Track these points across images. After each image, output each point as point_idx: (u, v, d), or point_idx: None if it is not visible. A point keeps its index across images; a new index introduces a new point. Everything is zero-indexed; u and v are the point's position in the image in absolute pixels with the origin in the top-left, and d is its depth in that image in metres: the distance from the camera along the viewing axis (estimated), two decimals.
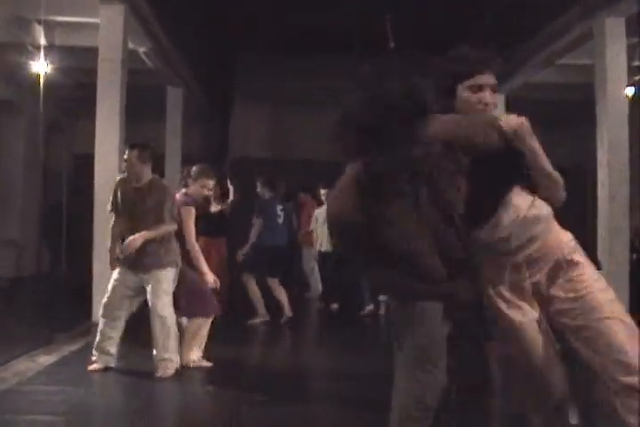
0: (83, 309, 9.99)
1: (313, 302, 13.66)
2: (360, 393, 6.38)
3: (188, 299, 7.33)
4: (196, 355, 7.43)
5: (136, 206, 7.03)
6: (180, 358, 7.18)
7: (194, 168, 7.94)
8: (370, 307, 11.64)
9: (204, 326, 7.44)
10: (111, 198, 7.27)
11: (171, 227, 7.06)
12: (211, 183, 7.90)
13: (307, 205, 14.08)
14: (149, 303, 7.03)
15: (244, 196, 11.45)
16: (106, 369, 7.07)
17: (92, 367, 7.07)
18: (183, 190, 7.85)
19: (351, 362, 7.92)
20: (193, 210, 7.51)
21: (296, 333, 10.80)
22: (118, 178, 7.36)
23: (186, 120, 16.91)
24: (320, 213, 12.12)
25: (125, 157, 7.10)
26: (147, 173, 7.10)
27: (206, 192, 7.97)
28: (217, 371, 7.34)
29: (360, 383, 6.74)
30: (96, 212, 10.14)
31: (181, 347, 7.26)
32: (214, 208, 10.63)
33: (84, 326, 9.48)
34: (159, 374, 6.89)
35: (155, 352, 6.97)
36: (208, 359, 7.49)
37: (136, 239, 6.86)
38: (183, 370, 7.13)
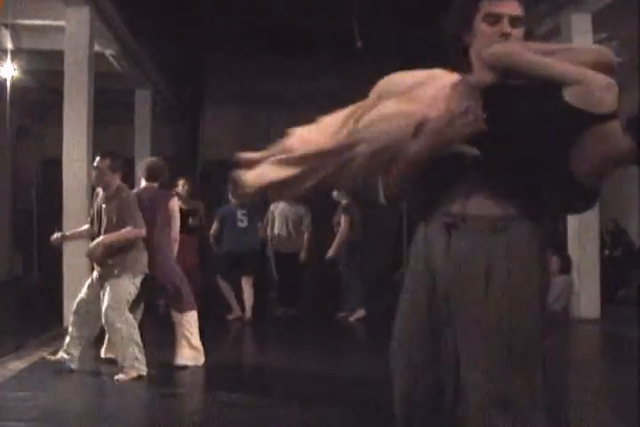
0: (54, 314, 9.92)
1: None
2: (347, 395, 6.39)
3: (167, 293, 7.53)
4: (187, 353, 7.46)
5: (106, 218, 7.00)
6: (173, 356, 7.38)
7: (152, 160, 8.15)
8: (362, 313, 11.46)
9: (184, 322, 7.45)
10: (91, 210, 7.33)
11: (136, 232, 6.95)
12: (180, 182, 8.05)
13: None
14: (102, 313, 6.89)
15: (215, 199, 11.51)
16: (72, 372, 7.03)
17: (50, 357, 7.17)
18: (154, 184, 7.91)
19: (331, 363, 7.93)
20: (176, 200, 7.71)
21: (277, 333, 10.79)
22: (97, 190, 7.31)
23: (155, 123, 16.84)
24: (276, 207, 11.70)
25: (95, 164, 7.05)
26: (115, 183, 7.07)
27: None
28: (191, 373, 7.32)
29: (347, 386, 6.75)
30: (65, 216, 10.08)
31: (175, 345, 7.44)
32: (185, 206, 10.63)
33: (55, 330, 9.41)
34: (117, 377, 6.82)
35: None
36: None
37: (96, 247, 6.85)
38: (170, 370, 7.17)
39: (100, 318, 6.98)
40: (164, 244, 7.60)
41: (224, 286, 11.27)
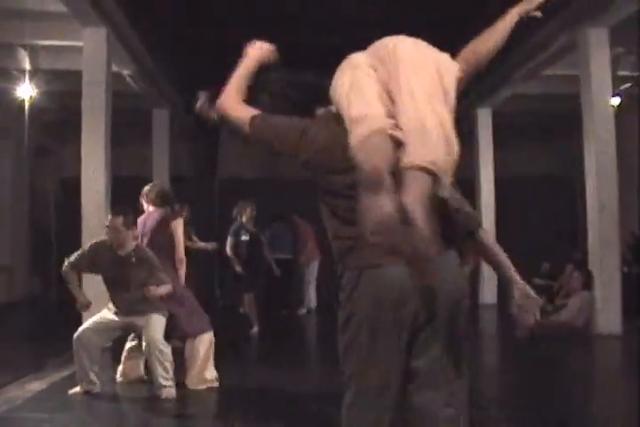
0: (73, 334, 9.87)
1: (306, 317, 13.64)
2: None
3: (186, 320, 7.40)
4: (201, 376, 7.42)
5: (122, 275, 6.99)
6: (185, 380, 7.32)
7: (147, 188, 8.04)
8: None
9: (200, 345, 7.41)
10: (77, 257, 7.17)
11: (170, 288, 7.06)
12: None
13: (301, 226, 14.21)
14: (147, 339, 7.00)
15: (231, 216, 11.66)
16: (89, 394, 7.01)
17: (72, 391, 7.05)
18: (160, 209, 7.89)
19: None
20: (182, 222, 7.64)
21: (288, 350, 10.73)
22: (95, 242, 7.26)
23: (173, 141, 16.90)
24: None
25: (108, 224, 7.04)
26: (130, 240, 7.09)
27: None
28: (211, 394, 7.28)
29: None
30: (84, 234, 10.09)
31: (188, 370, 7.38)
32: None
33: (73, 351, 9.36)
34: (163, 396, 6.90)
35: (155, 380, 6.98)
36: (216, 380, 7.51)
37: (150, 291, 6.89)
38: (185, 393, 7.11)
39: (104, 343, 7.25)
40: (170, 268, 7.59)
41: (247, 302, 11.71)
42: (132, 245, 7.07)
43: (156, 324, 7.04)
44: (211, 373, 7.45)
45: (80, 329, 7.10)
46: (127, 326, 7.14)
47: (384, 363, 2.94)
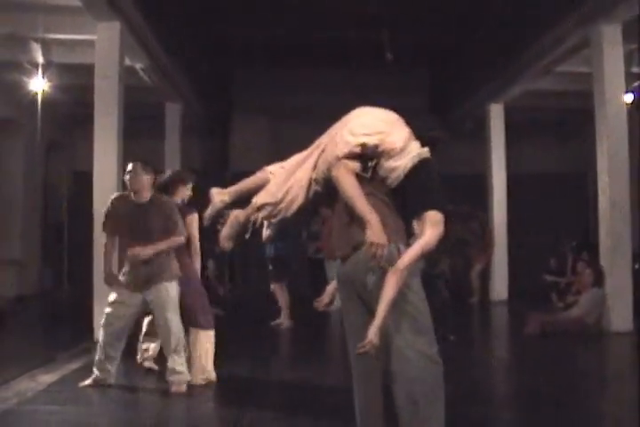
0: (84, 327, 9.95)
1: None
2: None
3: (189, 311, 7.34)
4: (203, 371, 7.40)
5: (139, 224, 6.96)
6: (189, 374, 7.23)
7: (169, 173, 7.91)
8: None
9: (201, 339, 7.41)
10: (104, 217, 7.17)
11: (180, 239, 7.07)
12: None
13: (329, 220, 14.17)
14: (156, 317, 7.03)
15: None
16: (102, 386, 7.03)
17: (83, 384, 7.07)
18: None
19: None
20: (197, 217, 7.54)
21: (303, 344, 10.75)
22: (113, 196, 7.28)
23: (185, 135, 16.92)
24: None
25: (129, 168, 7.04)
26: (149, 187, 7.07)
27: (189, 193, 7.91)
28: (221, 387, 7.30)
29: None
30: (96, 229, 10.10)
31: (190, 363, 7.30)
32: None
33: (85, 344, 9.42)
34: (173, 390, 6.91)
35: (168, 366, 6.99)
36: (216, 376, 7.46)
37: (146, 249, 6.85)
38: (190, 387, 7.09)
39: (128, 329, 7.11)
40: (185, 257, 7.55)
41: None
42: (150, 192, 7.07)
43: (168, 297, 6.96)
44: (211, 368, 7.46)
45: (105, 317, 7.06)
46: (144, 304, 7.07)
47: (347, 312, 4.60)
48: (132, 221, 7.00)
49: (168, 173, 7.94)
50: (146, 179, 7.01)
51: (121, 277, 7.08)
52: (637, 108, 13.86)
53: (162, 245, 6.93)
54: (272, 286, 12.00)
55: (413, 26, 15.52)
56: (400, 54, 14.56)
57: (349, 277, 4.44)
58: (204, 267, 8.25)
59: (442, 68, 19.27)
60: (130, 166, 7.04)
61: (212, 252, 11.28)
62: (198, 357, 7.34)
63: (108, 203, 7.19)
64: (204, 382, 7.31)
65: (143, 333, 7.93)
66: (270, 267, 11.97)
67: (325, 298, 4.99)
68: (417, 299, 4.34)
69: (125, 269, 7.08)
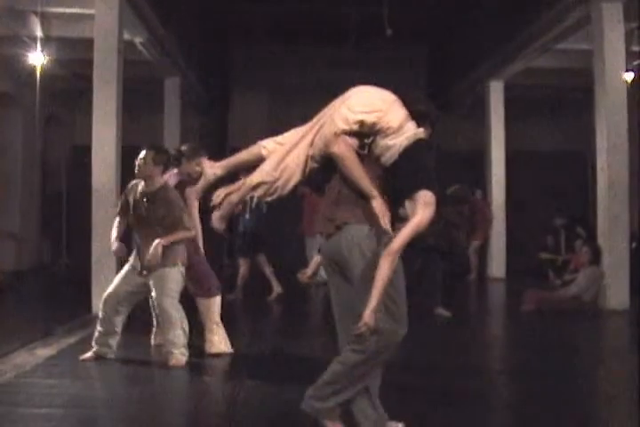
0: (82, 301, 9.98)
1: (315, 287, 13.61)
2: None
3: (193, 281, 7.49)
4: (216, 340, 7.52)
5: (146, 213, 7.04)
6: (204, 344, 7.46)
7: (184, 147, 7.93)
8: None
9: (212, 307, 7.52)
10: (121, 201, 7.29)
11: (188, 233, 7.13)
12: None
13: (307, 197, 14.10)
14: (155, 301, 7.11)
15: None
16: (100, 359, 7.08)
17: (84, 357, 7.11)
18: (175, 170, 7.82)
19: None
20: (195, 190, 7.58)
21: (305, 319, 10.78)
22: (132, 183, 7.30)
23: (184, 111, 16.88)
24: None
25: (141, 155, 7.05)
26: (158, 177, 7.11)
27: (199, 170, 7.92)
28: (220, 360, 7.36)
29: None
30: (94, 203, 10.13)
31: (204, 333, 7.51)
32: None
33: (83, 318, 9.45)
34: (172, 363, 6.98)
35: (168, 338, 7.07)
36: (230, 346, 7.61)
37: (156, 250, 6.90)
38: (200, 358, 7.22)
39: (128, 305, 7.18)
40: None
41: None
42: (160, 182, 7.11)
43: (166, 281, 7.04)
44: (223, 338, 7.57)
45: (107, 292, 7.16)
46: (145, 286, 7.15)
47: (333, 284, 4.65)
48: (139, 207, 7.09)
49: (183, 147, 7.99)
50: (154, 169, 7.04)
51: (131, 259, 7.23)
52: (638, 87, 13.81)
53: (168, 240, 6.98)
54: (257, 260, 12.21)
55: (414, 2, 15.47)
56: (400, 30, 14.49)
57: (332, 256, 4.50)
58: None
59: (442, 45, 19.20)
60: (142, 153, 7.05)
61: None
62: (216, 326, 7.51)
63: (127, 189, 7.31)
64: (230, 350, 7.53)
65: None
66: (239, 241, 12.22)
67: (309, 270, 5.03)
68: (399, 283, 4.40)
69: (133, 252, 7.21)
